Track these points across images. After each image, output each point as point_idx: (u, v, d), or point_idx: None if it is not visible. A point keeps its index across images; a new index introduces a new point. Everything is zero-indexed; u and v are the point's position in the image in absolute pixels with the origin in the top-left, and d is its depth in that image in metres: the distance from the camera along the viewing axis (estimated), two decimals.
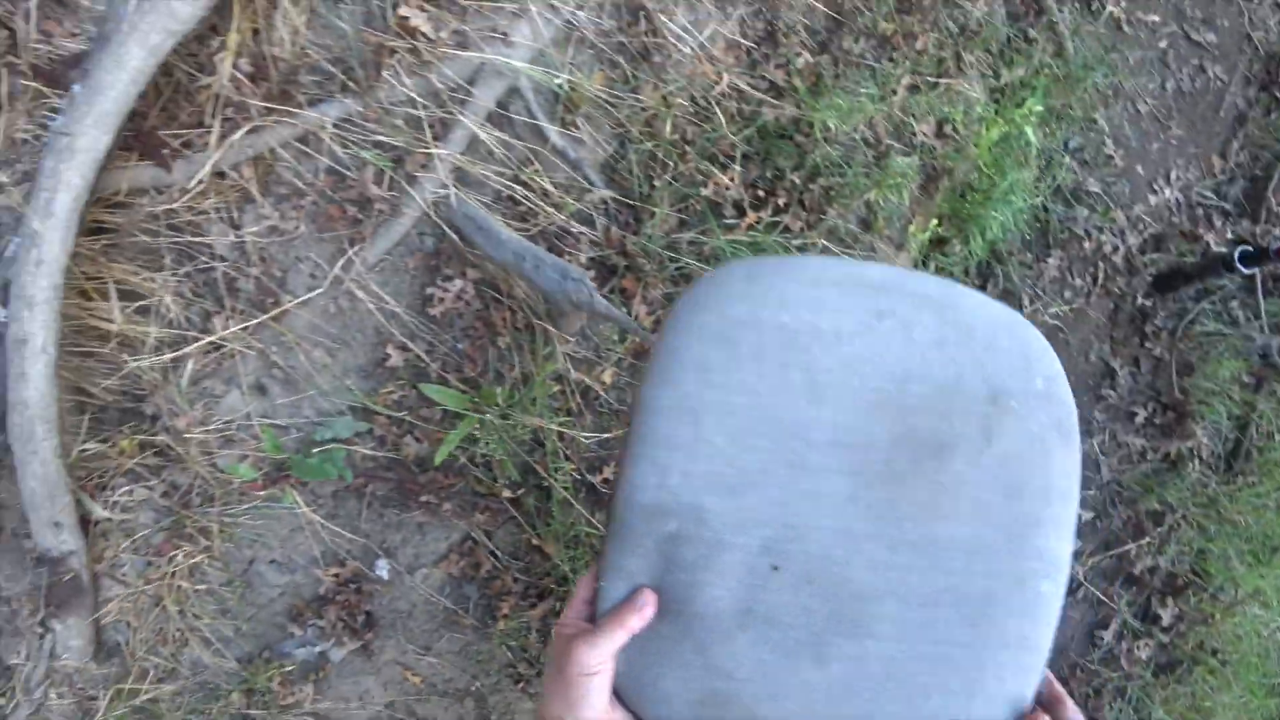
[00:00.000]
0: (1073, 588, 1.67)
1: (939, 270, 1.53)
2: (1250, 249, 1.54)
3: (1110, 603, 1.67)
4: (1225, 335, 1.78)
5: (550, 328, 1.30)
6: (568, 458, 1.35)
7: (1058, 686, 0.58)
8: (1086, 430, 1.74)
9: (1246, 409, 1.80)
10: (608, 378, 1.37)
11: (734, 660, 0.54)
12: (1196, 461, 1.73)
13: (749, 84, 1.39)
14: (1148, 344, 1.75)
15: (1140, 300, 1.74)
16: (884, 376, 0.54)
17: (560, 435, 1.33)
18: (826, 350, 0.55)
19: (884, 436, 0.54)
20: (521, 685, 1.43)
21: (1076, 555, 1.69)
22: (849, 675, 0.53)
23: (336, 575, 1.31)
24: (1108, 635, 1.66)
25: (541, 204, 1.30)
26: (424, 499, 1.33)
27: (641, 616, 0.56)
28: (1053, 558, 0.54)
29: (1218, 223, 1.85)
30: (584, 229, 1.35)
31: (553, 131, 1.30)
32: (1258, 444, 1.82)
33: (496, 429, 1.28)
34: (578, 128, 1.34)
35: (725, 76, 1.34)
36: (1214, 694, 1.73)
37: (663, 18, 1.34)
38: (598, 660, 0.54)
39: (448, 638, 1.39)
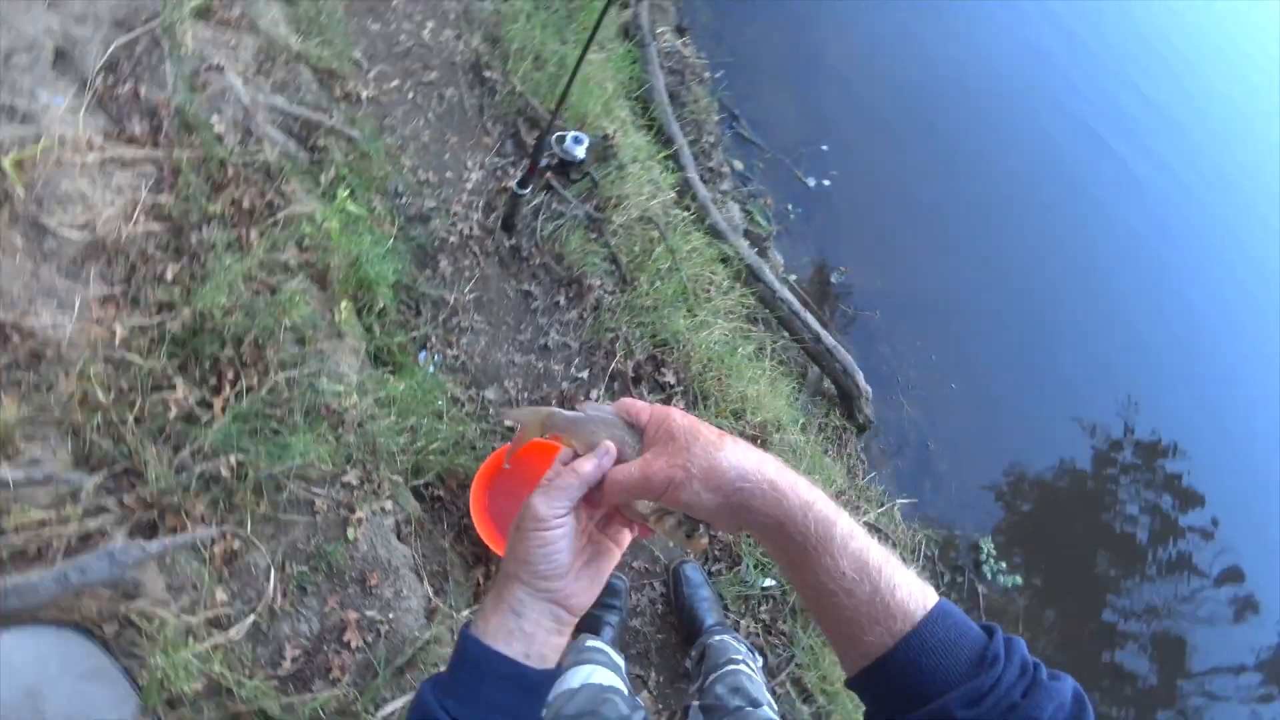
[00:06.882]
0: None
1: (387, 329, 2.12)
2: (521, 177, 2.45)
3: None
4: (561, 219, 2.76)
5: None
6: None
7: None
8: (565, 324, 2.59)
9: (604, 248, 2.84)
10: None
11: None
12: (605, 294, 2.71)
13: (141, 315, 1.70)
14: (529, 261, 2.65)
15: (506, 243, 2.61)
16: None
17: None
18: None
19: None
20: None
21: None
22: None
23: None
24: None
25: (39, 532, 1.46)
26: None
27: (599, 466, 0.52)
28: None
29: (511, 170, 2.80)
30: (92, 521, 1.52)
31: None
32: (626, 261, 2.89)
33: None
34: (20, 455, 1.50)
35: (117, 327, 1.62)
36: None
37: (27, 322, 1.55)
38: (553, 512, 0.51)
39: None
